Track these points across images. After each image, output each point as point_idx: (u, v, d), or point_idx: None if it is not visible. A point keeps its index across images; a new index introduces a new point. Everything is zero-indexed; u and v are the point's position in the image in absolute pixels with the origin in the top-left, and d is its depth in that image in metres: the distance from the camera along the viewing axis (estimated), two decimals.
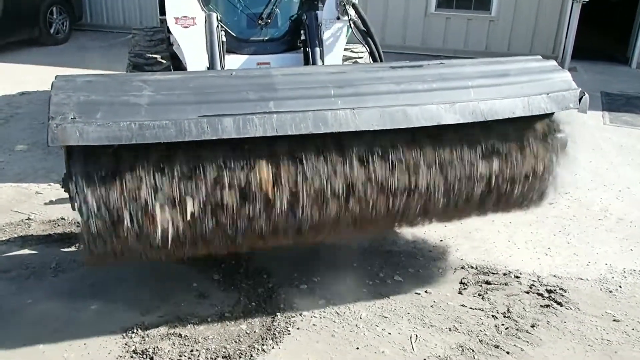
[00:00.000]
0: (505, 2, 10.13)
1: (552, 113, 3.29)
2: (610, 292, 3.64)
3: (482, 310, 3.40)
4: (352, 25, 4.67)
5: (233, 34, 4.80)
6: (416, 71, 3.18)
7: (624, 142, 6.40)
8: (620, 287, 3.69)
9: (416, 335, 3.17)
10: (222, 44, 4.44)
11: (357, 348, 3.06)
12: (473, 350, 3.06)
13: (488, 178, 3.17)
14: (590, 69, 9.80)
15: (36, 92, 7.45)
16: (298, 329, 3.19)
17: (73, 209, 2.68)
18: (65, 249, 3.91)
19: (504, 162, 3.18)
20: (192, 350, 2.99)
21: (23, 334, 3.09)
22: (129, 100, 2.63)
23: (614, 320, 3.35)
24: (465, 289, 3.61)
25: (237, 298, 3.44)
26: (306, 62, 4.68)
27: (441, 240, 4.17)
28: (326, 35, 4.71)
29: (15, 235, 4.06)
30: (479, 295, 3.55)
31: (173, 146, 2.66)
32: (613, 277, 3.79)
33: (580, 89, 3.27)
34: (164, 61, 4.89)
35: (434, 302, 3.47)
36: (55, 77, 2.71)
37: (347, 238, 3.76)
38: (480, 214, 3.45)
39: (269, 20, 4.93)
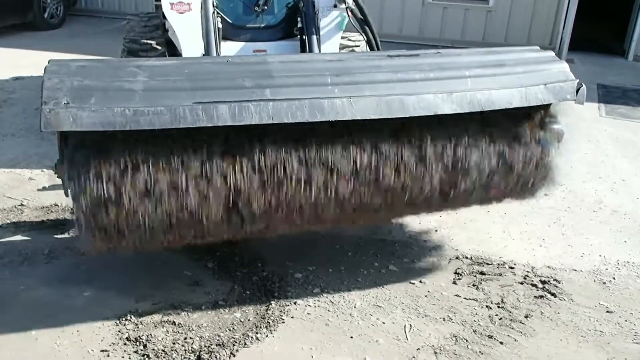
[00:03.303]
0: None
1: (550, 104, 3.28)
2: (604, 283, 3.65)
3: (476, 300, 3.41)
4: (349, 13, 4.65)
5: (229, 21, 4.76)
6: (413, 60, 3.16)
7: (620, 135, 6.40)
8: (613, 278, 3.70)
9: (410, 325, 3.17)
10: (218, 31, 4.40)
11: (351, 337, 3.06)
12: (467, 340, 3.07)
13: (484, 168, 3.16)
14: (587, 61, 9.79)
15: (30, 77, 7.38)
16: (292, 317, 3.19)
17: (66, 195, 2.66)
18: (59, 236, 3.88)
19: (500, 152, 3.17)
20: (185, 338, 2.98)
21: (15, 320, 3.08)
22: (123, 86, 2.61)
23: (607, 312, 3.37)
24: (459, 279, 3.61)
25: (231, 286, 3.43)
26: (303, 50, 4.65)
27: (436, 230, 4.17)
28: (323, 23, 4.68)
29: (8, 222, 4.03)
30: (474, 285, 3.55)
31: (167, 132, 2.64)
32: (607, 269, 3.80)
33: (578, 80, 3.26)
34: (159, 47, 4.85)
35: (428, 292, 3.47)
36: (49, 61, 2.67)
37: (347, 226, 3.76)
38: (475, 204, 3.45)
39: (266, 7, 4.89)
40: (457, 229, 4.20)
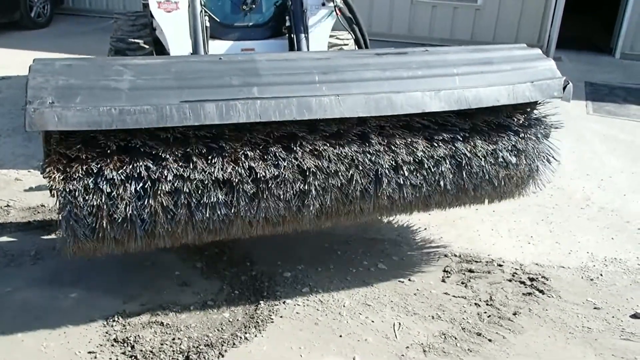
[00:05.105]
0: None
1: (536, 101, 3.30)
2: (591, 280, 3.67)
3: (465, 298, 3.42)
4: (338, 11, 4.64)
5: (217, 19, 4.73)
6: (401, 58, 3.17)
7: (607, 132, 6.44)
8: (601, 275, 3.72)
9: (399, 323, 3.18)
10: (206, 29, 4.37)
11: (340, 336, 3.06)
12: (456, 338, 3.07)
13: (471, 167, 3.16)
14: (575, 59, 9.85)
15: (16, 77, 7.30)
16: (281, 317, 3.18)
17: (52, 195, 2.63)
18: (45, 237, 3.85)
19: (487, 150, 3.18)
20: (173, 339, 2.96)
21: (1, 323, 3.04)
22: (109, 85, 2.59)
23: (595, 308, 3.38)
24: (448, 277, 3.62)
25: (220, 286, 3.42)
26: (291, 48, 4.64)
27: (425, 229, 4.18)
28: (311, 21, 4.67)
29: None
30: (462, 283, 3.56)
31: (153, 131, 2.62)
32: (594, 266, 3.83)
33: (565, 77, 3.28)
34: (146, 46, 4.82)
35: (417, 290, 3.47)
36: (34, 60, 2.64)
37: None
38: (464, 203, 3.46)
39: (254, 6, 4.87)
40: (446, 226, 4.21)
